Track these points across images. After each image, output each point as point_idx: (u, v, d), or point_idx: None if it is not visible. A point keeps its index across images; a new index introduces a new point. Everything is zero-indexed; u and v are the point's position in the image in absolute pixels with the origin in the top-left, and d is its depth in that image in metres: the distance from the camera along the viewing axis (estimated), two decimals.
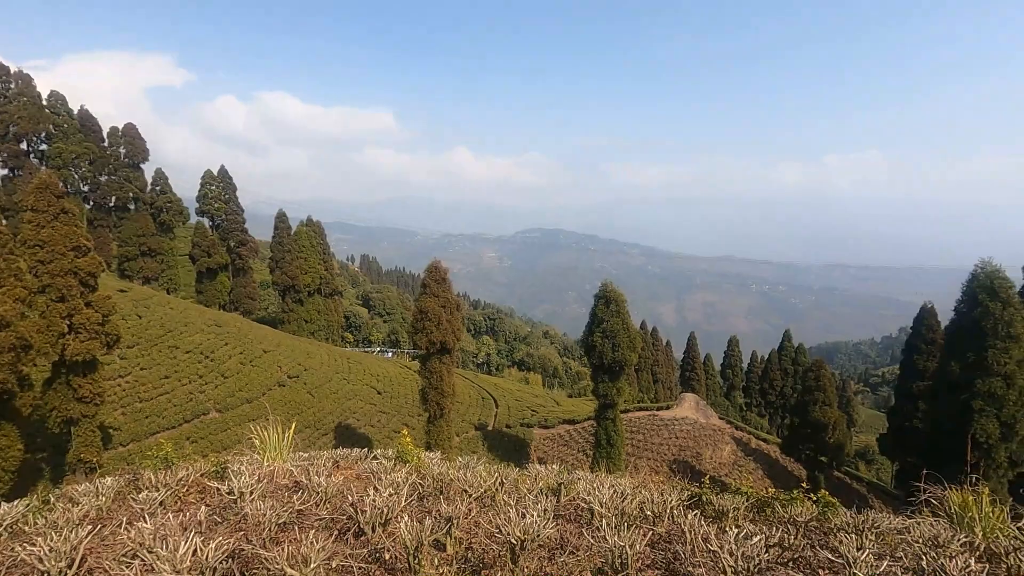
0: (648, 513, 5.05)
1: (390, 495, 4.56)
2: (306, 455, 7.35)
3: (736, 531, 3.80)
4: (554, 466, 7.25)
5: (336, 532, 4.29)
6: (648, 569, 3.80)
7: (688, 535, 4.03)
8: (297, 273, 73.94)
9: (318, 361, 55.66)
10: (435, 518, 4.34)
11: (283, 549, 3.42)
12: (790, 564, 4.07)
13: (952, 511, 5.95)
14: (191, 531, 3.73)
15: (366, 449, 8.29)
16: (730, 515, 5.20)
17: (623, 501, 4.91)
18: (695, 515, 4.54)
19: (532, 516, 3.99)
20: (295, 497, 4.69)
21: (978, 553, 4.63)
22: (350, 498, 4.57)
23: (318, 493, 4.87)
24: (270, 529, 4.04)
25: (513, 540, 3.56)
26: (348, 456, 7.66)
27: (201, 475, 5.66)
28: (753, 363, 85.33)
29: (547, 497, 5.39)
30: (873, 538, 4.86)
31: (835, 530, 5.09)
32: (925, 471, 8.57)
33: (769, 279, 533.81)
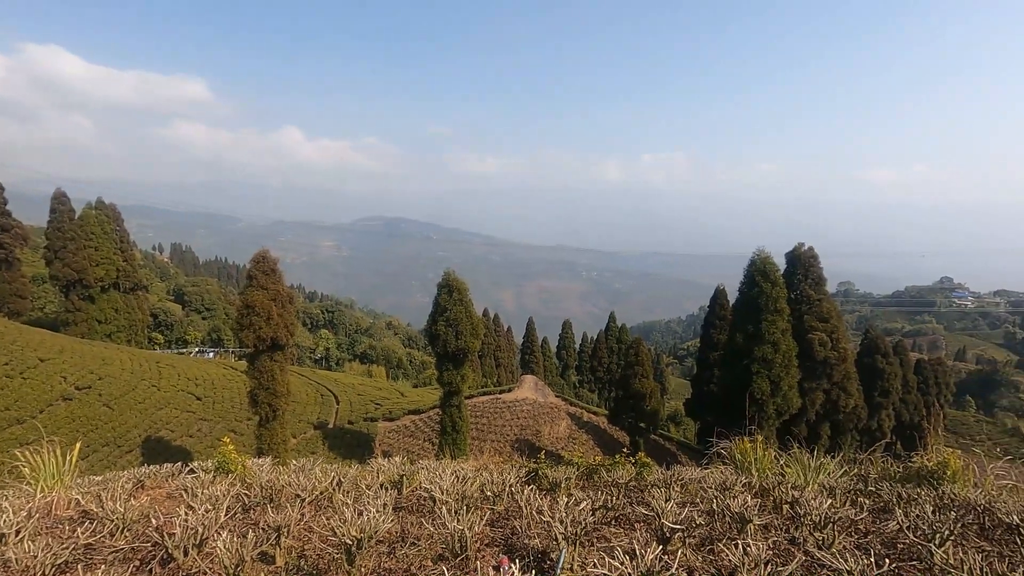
0: (488, 494, 5.21)
1: (206, 511, 4.07)
2: (100, 478, 6.26)
3: (567, 499, 4.08)
4: (397, 458, 7.12)
5: (138, 563, 3.71)
6: (488, 548, 3.91)
7: (524, 509, 4.23)
8: (85, 265, 62.17)
9: (117, 368, 47.66)
10: (262, 529, 3.98)
11: None
12: (613, 522, 4.51)
13: (736, 458, 7.11)
14: None
15: (180, 463, 7.33)
16: (563, 485, 5.59)
17: (464, 485, 4.99)
18: (531, 490, 4.78)
19: (370, 513, 3.86)
20: (80, 530, 3.94)
21: (755, 490, 5.59)
22: (155, 522, 3.97)
23: (113, 521, 4.16)
24: (44, 573, 3.34)
25: (348, 540, 3.40)
26: (156, 473, 6.70)
27: None
28: (584, 343, 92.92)
29: (388, 491, 5.27)
30: (679, 489, 5.60)
31: (649, 486, 5.76)
32: (718, 427, 10.07)
33: (596, 266, 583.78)
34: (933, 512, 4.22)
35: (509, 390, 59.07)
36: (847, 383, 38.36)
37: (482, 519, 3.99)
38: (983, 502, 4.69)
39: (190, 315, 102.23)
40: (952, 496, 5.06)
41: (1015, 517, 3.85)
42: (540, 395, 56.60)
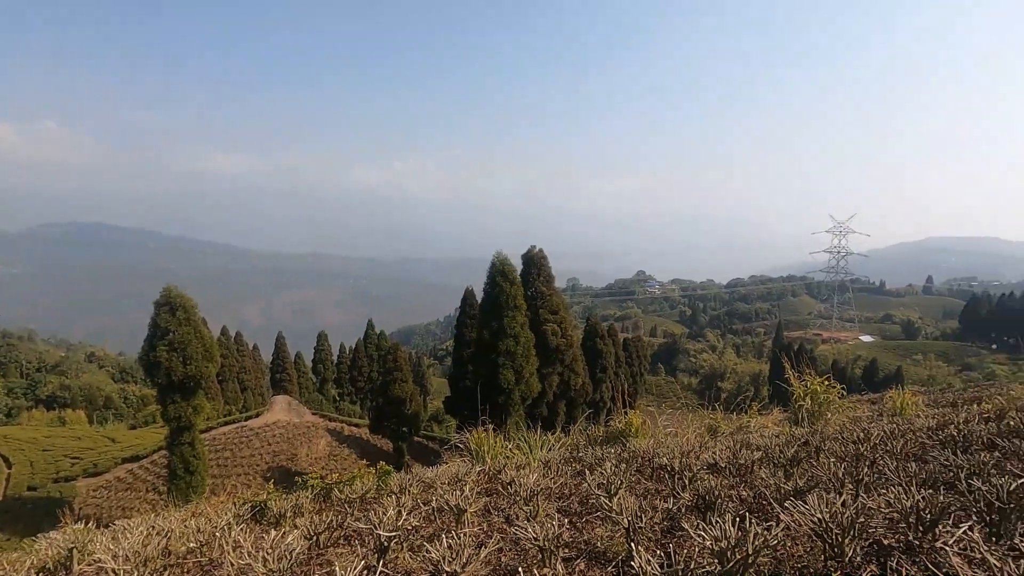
0: (194, 544, 4.44)
1: None
2: None
3: (276, 532, 3.69)
4: (76, 525, 5.62)
5: None
6: None
7: (228, 554, 3.69)
8: None
9: None
10: None
11: None
12: (343, 541, 4.26)
13: (472, 448, 7.51)
14: None
15: None
16: (288, 515, 5.11)
17: (153, 544, 4.13)
18: (242, 529, 4.22)
19: None
20: None
21: (488, 475, 5.96)
22: None
23: None
24: None
25: None
26: None
27: None
28: (343, 354, 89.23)
29: None
30: (416, 491, 5.63)
31: (388, 494, 5.66)
32: (472, 420, 10.55)
33: (353, 273, 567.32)
34: (615, 466, 5.04)
35: (258, 415, 53.19)
36: (576, 365, 44.73)
37: None
38: (650, 450, 5.82)
39: None
40: (632, 450, 6.16)
41: (665, 459, 4.83)
42: (295, 415, 52.34)
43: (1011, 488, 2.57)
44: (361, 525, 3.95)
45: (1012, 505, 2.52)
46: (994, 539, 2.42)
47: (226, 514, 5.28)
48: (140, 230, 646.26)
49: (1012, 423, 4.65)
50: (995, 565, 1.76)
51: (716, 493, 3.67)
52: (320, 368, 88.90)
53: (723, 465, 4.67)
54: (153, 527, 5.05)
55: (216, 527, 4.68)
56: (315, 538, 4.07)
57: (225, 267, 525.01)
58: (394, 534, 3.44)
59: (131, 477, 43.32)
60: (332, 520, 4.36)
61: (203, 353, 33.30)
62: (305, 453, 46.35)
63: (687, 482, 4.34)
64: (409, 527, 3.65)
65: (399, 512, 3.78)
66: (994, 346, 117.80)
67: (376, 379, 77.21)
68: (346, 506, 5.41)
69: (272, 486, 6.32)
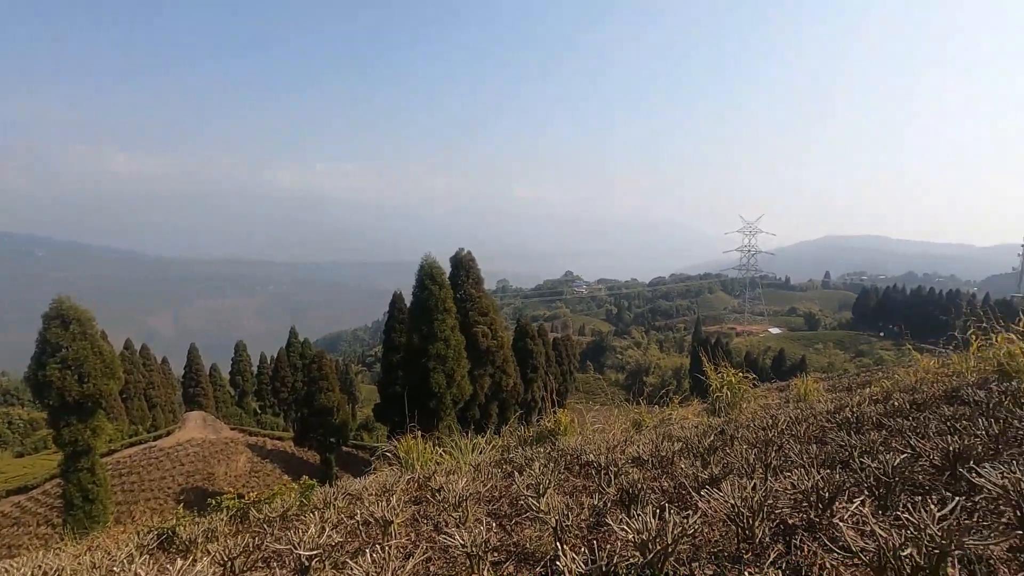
0: None
1: None
2: None
3: (184, 561, 3.41)
4: None
5: None
6: None
7: None
8: None
9: None
10: None
11: None
12: (261, 563, 4.01)
13: (401, 456, 7.34)
14: None
15: None
16: (200, 540, 4.76)
17: None
18: (144, 560, 3.87)
19: None
20: None
21: (416, 484, 5.84)
22: None
23: None
24: None
25: None
26: None
27: None
28: (263, 364, 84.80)
29: None
30: (342, 504, 5.42)
31: (311, 510, 5.41)
32: (402, 426, 10.31)
33: (275, 278, 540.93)
34: (544, 466, 5.09)
35: (169, 433, 49.40)
36: (507, 366, 44.99)
37: None
38: (578, 448, 5.92)
39: None
40: (561, 448, 6.24)
41: (592, 455, 4.94)
42: (211, 431, 49.09)
43: (895, 463, 2.83)
44: (280, 546, 3.73)
45: (896, 479, 2.77)
46: (882, 511, 2.65)
47: (127, 545, 4.86)
48: (25, 236, 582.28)
49: (896, 404, 5.14)
50: (882, 536, 1.92)
51: (639, 486, 3.78)
52: (239, 380, 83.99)
53: (646, 458, 4.83)
54: (40, 566, 4.54)
55: (115, 561, 4.28)
56: (229, 563, 3.81)
57: (128, 275, 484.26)
58: (315, 552, 3.29)
59: (18, 511, 38.88)
60: (249, 542, 4.10)
61: (102, 370, 30.49)
62: (224, 471, 43.53)
63: (612, 477, 4.44)
64: (332, 543, 3.49)
65: (322, 528, 3.61)
66: (881, 334, 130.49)
67: (300, 389, 73.91)
68: (265, 526, 5.12)
69: (182, 509, 5.89)
